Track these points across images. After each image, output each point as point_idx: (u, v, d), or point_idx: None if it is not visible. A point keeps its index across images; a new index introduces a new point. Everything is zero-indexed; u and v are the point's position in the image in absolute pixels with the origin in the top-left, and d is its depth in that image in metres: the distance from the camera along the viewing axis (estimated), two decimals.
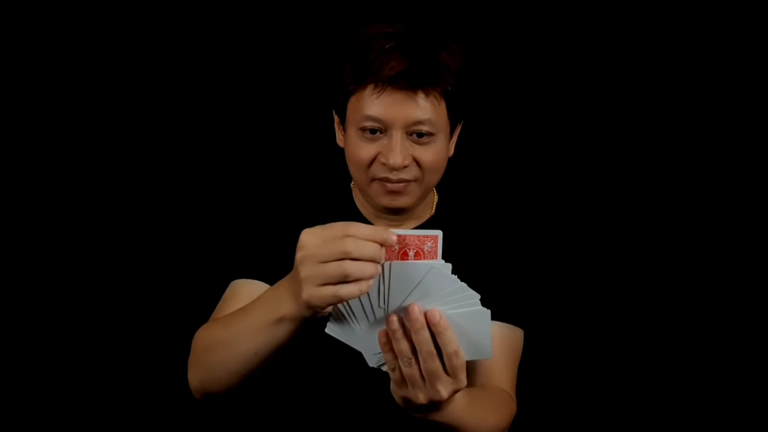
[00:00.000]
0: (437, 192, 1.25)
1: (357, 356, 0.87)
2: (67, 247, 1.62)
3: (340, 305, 0.82)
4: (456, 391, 0.84)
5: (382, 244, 0.79)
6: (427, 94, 1.06)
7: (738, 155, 1.53)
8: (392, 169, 1.07)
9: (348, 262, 0.77)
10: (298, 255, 0.80)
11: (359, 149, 1.09)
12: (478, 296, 0.82)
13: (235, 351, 0.92)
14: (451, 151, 1.16)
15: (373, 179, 1.10)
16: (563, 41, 1.55)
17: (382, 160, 1.07)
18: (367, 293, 0.80)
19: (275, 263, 1.03)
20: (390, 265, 0.80)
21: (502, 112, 1.59)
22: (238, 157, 1.65)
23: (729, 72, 1.51)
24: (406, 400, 0.85)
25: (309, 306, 0.80)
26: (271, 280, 1.03)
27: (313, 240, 0.79)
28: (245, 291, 1.10)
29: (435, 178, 1.13)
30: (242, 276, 1.14)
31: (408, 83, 1.04)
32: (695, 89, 1.53)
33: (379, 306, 0.82)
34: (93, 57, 1.58)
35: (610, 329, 1.58)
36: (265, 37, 1.61)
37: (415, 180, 1.10)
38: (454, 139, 1.17)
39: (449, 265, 0.81)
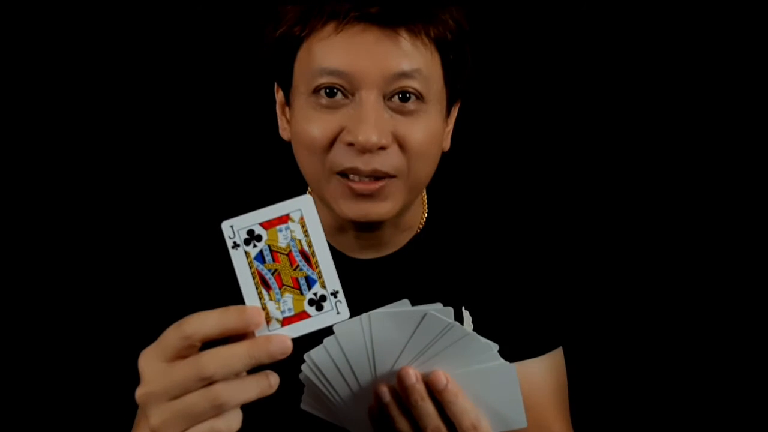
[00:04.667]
0: (426, 194, 0.89)
1: None
2: None
3: (309, 371, 0.59)
4: None
5: (248, 330, 0.52)
6: (414, 35, 0.71)
7: (738, 155, 1.36)
8: (363, 149, 0.71)
9: (218, 387, 0.50)
10: (139, 393, 0.52)
11: (311, 124, 0.73)
12: (496, 346, 0.59)
13: None
14: (447, 144, 0.82)
15: (333, 172, 0.74)
16: (562, 40, 1.35)
17: (347, 138, 0.71)
18: (345, 356, 0.58)
19: None
20: (369, 316, 0.56)
21: (501, 104, 1.34)
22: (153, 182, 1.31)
23: (729, 72, 1.34)
24: None
25: None
26: None
27: (152, 365, 0.52)
28: None
29: (426, 171, 0.77)
30: None
31: (386, 16, 0.69)
32: (695, 89, 1.35)
33: (363, 371, 0.59)
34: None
35: (634, 333, 1.39)
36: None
37: (397, 174, 0.73)
38: (451, 125, 0.82)
39: (450, 310, 0.58)
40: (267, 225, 0.53)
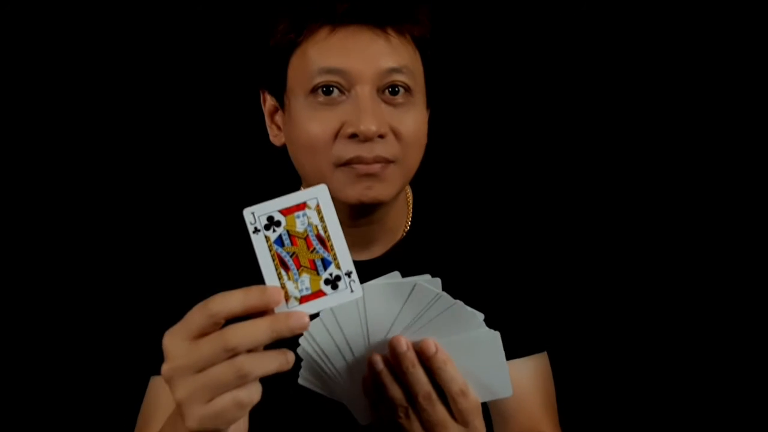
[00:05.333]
0: (411, 192, 0.95)
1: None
2: None
3: (306, 344, 0.63)
4: None
5: (269, 307, 0.55)
6: (400, 34, 0.78)
7: (737, 156, 1.40)
8: (365, 138, 0.76)
9: (242, 358, 0.53)
10: (164, 368, 0.55)
11: (313, 123, 0.78)
12: (482, 315, 0.63)
13: None
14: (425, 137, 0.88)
15: (337, 165, 0.79)
16: (549, 39, 1.39)
17: (349, 130, 0.77)
18: (340, 327, 0.62)
19: None
20: (363, 287, 0.59)
21: (478, 101, 1.37)
22: (145, 190, 1.33)
23: (729, 72, 1.38)
24: None
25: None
26: None
27: (177, 343, 0.55)
28: (167, 394, 0.80)
29: (415, 159, 0.83)
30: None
31: (375, 16, 0.77)
32: (694, 90, 1.39)
33: (358, 342, 0.63)
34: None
35: (624, 333, 1.40)
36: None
37: (395, 160, 0.79)
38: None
39: (438, 280, 0.62)
40: (286, 212, 0.58)
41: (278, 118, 0.85)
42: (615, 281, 1.40)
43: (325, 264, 0.57)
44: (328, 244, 0.58)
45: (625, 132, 1.40)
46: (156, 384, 0.87)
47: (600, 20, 1.38)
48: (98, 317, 1.32)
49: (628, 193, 1.40)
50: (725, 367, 1.38)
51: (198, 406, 0.54)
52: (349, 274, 0.57)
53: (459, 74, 0.94)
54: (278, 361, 0.55)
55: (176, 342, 0.54)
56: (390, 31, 0.78)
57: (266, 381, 0.57)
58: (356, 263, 0.84)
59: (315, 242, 0.58)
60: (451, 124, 0.97)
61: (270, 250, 0.57)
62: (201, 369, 0.54)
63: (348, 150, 0.78)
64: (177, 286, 0.89)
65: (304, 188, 0.89)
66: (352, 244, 0.84)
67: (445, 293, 0.62)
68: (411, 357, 0.61)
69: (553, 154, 1.40)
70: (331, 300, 0.57)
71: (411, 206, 0.93)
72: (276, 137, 0.87)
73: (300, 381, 0.66)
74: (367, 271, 0.84)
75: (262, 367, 0.54)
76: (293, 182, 0.92)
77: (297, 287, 0.57)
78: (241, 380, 0.53)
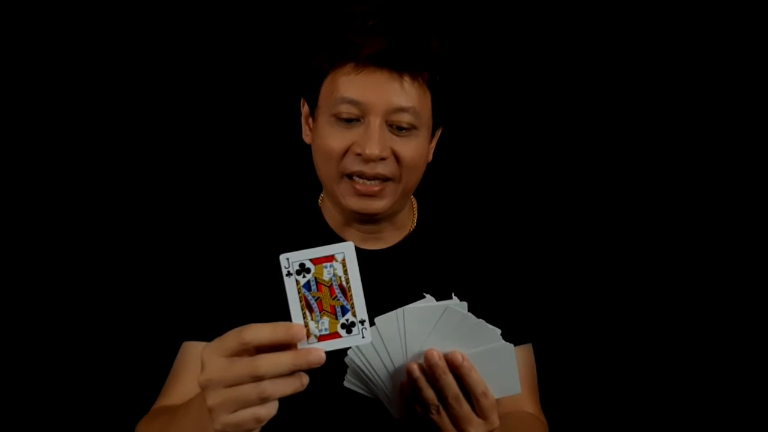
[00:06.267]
0: (415, 200, 1.10)
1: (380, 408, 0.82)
2: None
3: (354, 355, 0.76)
4: None
5: (292, 342, 0.66)
6: (413, 79, 0.93)
7: (737, 156, 1.46)
8: (368, 160, 0.93)
9: (266, 383, 0.65)
10: (201, 378, 0.67)
11: (330, 138, 0.94)
12: (499, 331, 0.77)
13: None
14: (430, 156, 1.02)
15: (343, 174, 0.95)
16: (552, 40, 1.44)
17: (357, 150, 0.93)
18: (383, 342, 0.75)
19: (226, 317, 0.92)
20: (403, 311, 0.74)
21: (480, 114, 1.46)
22: (187, 180, 1.43)
23: (729, 72, 1.44)
24: None
25: None
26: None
27: (213, 358, 0.66)
28: (194, 357, 0.98)
29: (414, 179, 0.99)
30: (192, 337, 1.00)
31: (394, 63, 0.91)
32: (694, 89, 1.45)
33: (397, 354, 0.77)
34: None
35: (612, 330, 1.51)
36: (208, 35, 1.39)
37: (393, 178, 0.95)
38: (434, 144, 1.03)
39: (464, 304, 0.76)
40: (316, 261, 0.69)
41: (310, 122, 1.01)
42: (603, 281, 1.50)
43: (344, 311, 0.69)
44: (348, 294, 0.69)
45: (613, 129, 1.47)
46: (187, 349, 1.01)
47: (600, 21, 1.43)
48: (137, 292, 1.44)
49: (616, 192, 1.48)
50: (708, 355, 1.48)
51: (224, 415, 0.65)
52: (362, 322, 0.69)
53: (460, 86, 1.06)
54: (294, 385, 0.66)
55: (213, 357, 0.66)
56: (405, 76, 0.92)
57: (315, 381, 0.70)
58: (371, 252, 1.03)
59: (338, 291, 0.69)
60: (450, 141, 1.09)
61: (299, 293, 0.69)
62: (231, 385, 0.65)
63: (354, 164, 0.94)
64: (208, 265, 1.04)
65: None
66: (364, 240, 1.03)
67: (470, 314, 0.75)
68: (443, 366, 0.75)
69: (542, 155, 1.48)
70: (344, 342, 0.69)
71: (416, 209, 1.09)
72: (307, 136, 1.02)
73: (345, 384, 0.80)
74: (380, 258, 1.03)
75: (281, 391, 0.65)
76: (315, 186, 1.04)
77: (318, 327, 0.69)
78: (263, 401, 0.64)
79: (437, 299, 0.76)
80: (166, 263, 1.39)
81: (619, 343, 1.50)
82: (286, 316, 0.67)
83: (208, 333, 0.94)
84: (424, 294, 0.81)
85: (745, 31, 1.43)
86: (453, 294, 0.88)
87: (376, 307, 0.90)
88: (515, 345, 1.00)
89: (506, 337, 1.00)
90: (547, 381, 1.12)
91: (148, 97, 1.41)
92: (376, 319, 0.75)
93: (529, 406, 1.04)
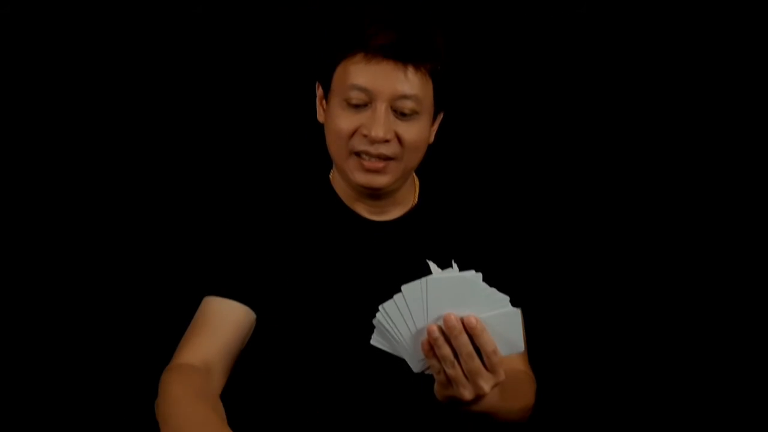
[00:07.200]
0: (417, 178, 1.21)
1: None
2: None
3: (383, 320, 0.87)
4: (497, 385, 0.90)
5: None
6: (416, 69, 1.04)
7: (736, 155, 1.53)
8: (373, 141, 1.04)
9: None
10: None
11: (341, 120, 1.06)
12: (508, 298, 0.87)
13: None
14: (431, 138, 1.14)
15: (351, 152, 1.07)
16: (545, 28, 1.53)
17: (364, 131, 1.05)
18: (408, 309, 0.86)
19: (248, 275, 1.08)
20: (426, 280, 0.84)
21: (480, 96, 1.55)
22: (205, 150, 1.53)
23: (729, 72, 1.50)
24: (451, 398, 0.91)
25: None
26: (243, 296, 1.07)
27: None
28: (215, 313, 1.08)
29: (415, 159, 1.10)
30: (213, 292, 1.10)
31: (399, 54, 1.03)
32: (694, 89, 1.52)
33: (420, 317, 0.87)
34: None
35: (602, 301, 1.59)
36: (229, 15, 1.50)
37: (395, 158, 1.07)
38: (435, 127, 1.15)
39: (479, 275, 0.86)
40: None
41: (324, 104, 1.13)
42: (597, 251, 1.57)
43: None
44: None
45: (610, 104, 1.54)
46: (208, 304, 1.10)
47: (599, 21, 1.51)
48: (163, 251, 1.53)
49: (613, 166, 1.55)
50: (700, 318, 1.53)
51: None
52: None
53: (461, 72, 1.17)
54: None
55: None
56: (409, 66, 1.04)
57: (341, 340, 0.85)
58: (377, 222, 1.16)
59: None
60: (451, 124, 1.20)
61: None
62: None
63: (361, 144, 1.06)
64: (229, 227, 1.15)
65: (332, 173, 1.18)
66: (372, 213, 1.16)
67: (484, 283, 0.86)
68: (459, 327, 0.85)
69: (539, 133, 1.56)
70: None
71: (417, 185, 1.21)
72: (320, 116, 1.14)
73: (372, 342, 0.91)
74: (385, 229, 1.16)
75: None
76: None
77: None
78: None
79: (438, 265, 0.88)
80: (192, 226, 1.49)
81: (613, 311, 1.57)
82: (297, 276, 0.79)
83: (228, 289, 1.08)
84: (428, 262, 0.92)
85: (745, 31, 1.48)
86: (453, 262, 1.00)
87: (384, 271, 1.04)
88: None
89: None
90: (540, 345, 1.22)
91: (175, 75, 1.51)
92: (403, 287, 0.85)
93: (521, 363, 1.16)
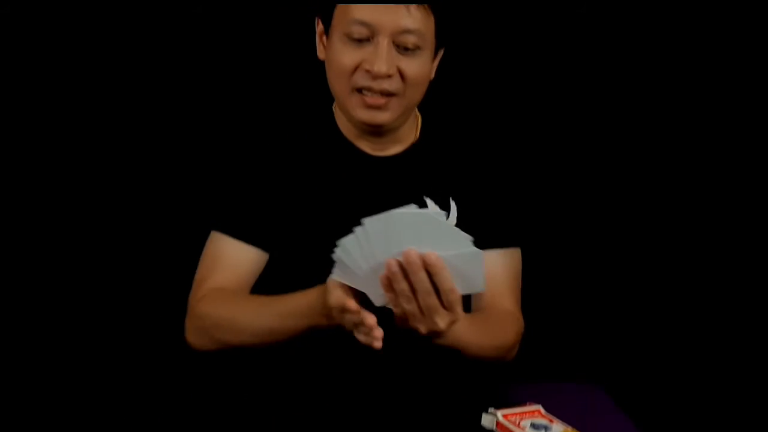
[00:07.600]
0: (420, 115, 1.21)
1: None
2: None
3: (343, 255, 0.88)
4: (453, 323, 0.91)
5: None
6: (419, 4, 1.04)
7: (736, 155, 1.54)
8: (376, 76, 1.05)
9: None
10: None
11: (343, 55, 1.06)
12: (471, 238, 0.86)
13: (255, 337, 1.05)
14: (432, 74, 1.14)
15: (353, 89, 1.08)
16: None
17: (366, 66, 1.05)
18: (369, 239, 0.86)
19: (256, 213, 1.12)
20: (389, 215, 0.83)
21: (482, 32, 1.55)
22: (209, 90, 1.55)
23: (729, 72, 1.50)
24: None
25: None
26: (251, 236, 1.12)
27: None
28: (227, 255, 1.13)
29: (417, 94, 1.11)
30: (222, 229, 1.14)
31: None
32: (693, 89, 1.53)
33: (380, 251, 0.86)
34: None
35: (600, 243, 1.62)
36: None
37: (397, 94, 1.08)
38: (436, 63, 1.14)
39: (444, 213, 0.87)
40: None
41: (324, 40, 1.13)
42: (596, 195, 1.59)
43: None
44: None
45: (608, 59, 1.55)
46: (216, 238, 1.15)
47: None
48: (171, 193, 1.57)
49: (613, 113, 1.57)
50: (690, 267, 1.58)
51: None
52: None
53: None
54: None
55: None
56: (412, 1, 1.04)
57: (308, 279, 0.93)
58: (380, 158, 1.17)
59: None
60: (452, 68, 1.20)
61: None
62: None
63: (363, 80, 1.07)
64: (238, 163, 1.18)
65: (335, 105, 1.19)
66: (375, 149, 1.17)
67: (447, 222, 0.86)
68: (418, 264, 0.85)
69: (540, 75, 1.58)
70: None
71: (419, 122, 1.21)
72: (321, 53, 1.15)
73: (332, 275, 0.91)
74: (387, 164, 1.18)
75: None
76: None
77: None
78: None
79: (435, 201, 0.88)
80: (199, 164, 1.53)
81: (608, 248, 1.61)
82: (300, 212, 0.81)
83: (237, 229, 1.12)
84: (425, 198, 0.93)
85: (745, 31, 1.48)
86: (451, 198, 1.01)
87: (382, 204, 1.05)
88: (505, 248, 1.16)
89: (496, 240, 1.14)
90: (534, 282, 1.24)
91: (173, 26, 1.52)
92: (365, 220, 0.85)
93: (510, 304, 1.16)
